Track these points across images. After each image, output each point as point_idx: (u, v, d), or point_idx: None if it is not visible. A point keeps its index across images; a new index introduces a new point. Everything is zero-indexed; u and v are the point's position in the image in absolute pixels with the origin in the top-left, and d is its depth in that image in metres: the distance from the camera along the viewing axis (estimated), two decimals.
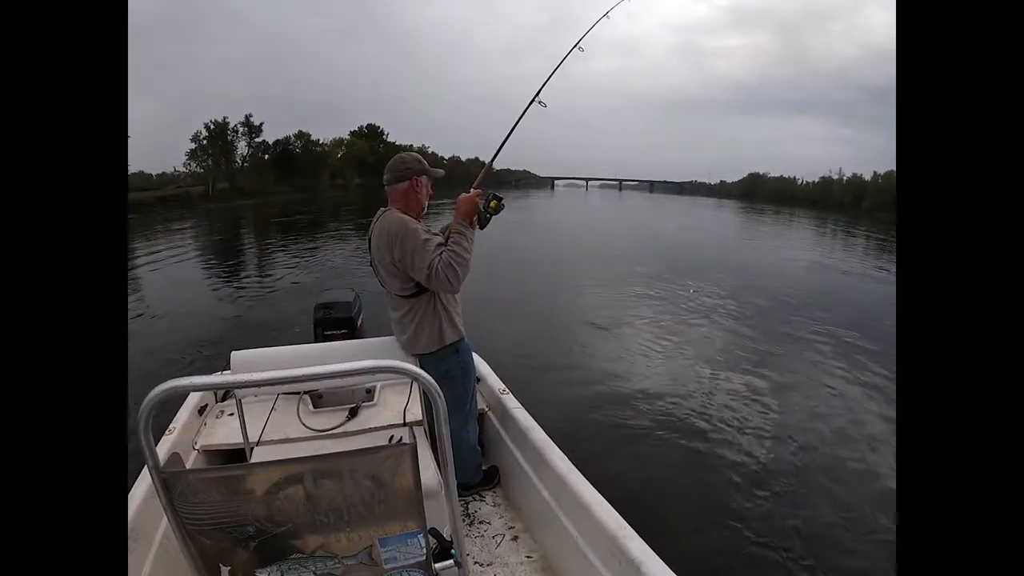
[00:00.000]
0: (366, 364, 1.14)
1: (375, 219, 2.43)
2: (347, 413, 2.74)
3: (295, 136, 59.37)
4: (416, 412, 2.69)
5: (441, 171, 2.59)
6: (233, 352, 2.28)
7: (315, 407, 2.80)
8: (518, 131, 2.72)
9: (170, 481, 1.09)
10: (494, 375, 3.28)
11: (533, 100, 2.83)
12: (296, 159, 56.80)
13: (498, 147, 2.73)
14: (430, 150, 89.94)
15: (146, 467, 1.08)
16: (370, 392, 2.89)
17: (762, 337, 8.33)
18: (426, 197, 2.49)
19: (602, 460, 4.27)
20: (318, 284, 10.94)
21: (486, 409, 3.13)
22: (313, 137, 61.39)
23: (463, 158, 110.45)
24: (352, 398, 2.83)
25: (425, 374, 1.18)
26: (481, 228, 2.45)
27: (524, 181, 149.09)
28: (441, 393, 1.24)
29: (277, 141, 56.79)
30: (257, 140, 53.98)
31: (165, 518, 1.14)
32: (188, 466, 1.78)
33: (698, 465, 4.52)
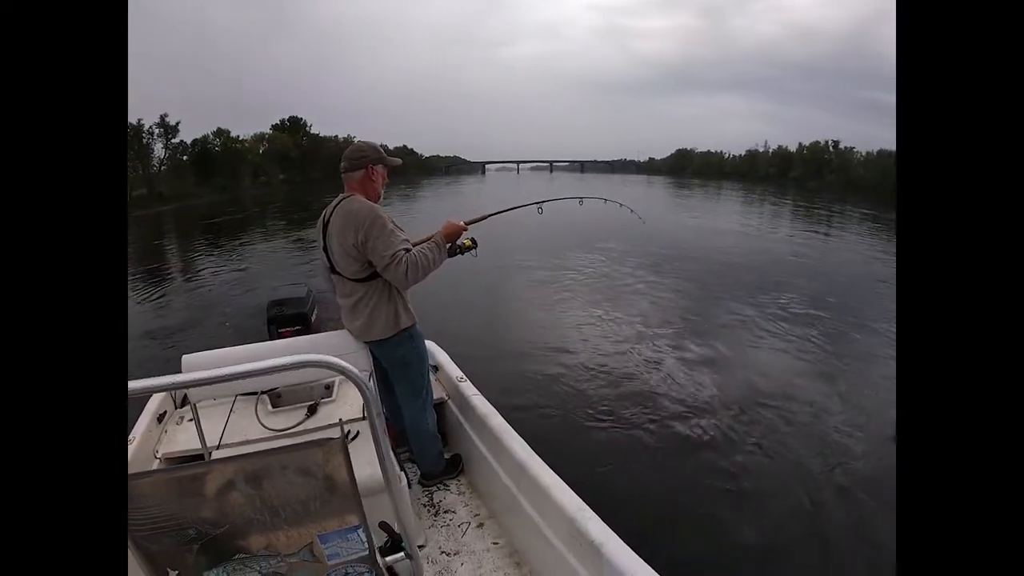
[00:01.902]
0: (289, 359, 1.10)
1: (333, 204, 2.42)
2: (306, 411, 2.71)
3: (214, 134, 56.74)
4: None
5: (398, 160, 2.61)
6: (184, 356, 2.25)
7: (274, 407, 2.77)
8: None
9: None
10: (452, 363, 3.28)
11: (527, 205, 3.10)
12: (216, 158, 54.43)
13: (481, 217, 2.81)
14: (356, 140, 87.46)
15: None
16: (329, 388, 2.85)
17: (700, 306, 8.67)
18: (382, 185, 2.51)
19: (560, 441, 4.36)
20: (252, 283, 10.77)
21: (446, 398, 3.14)
22: (233, 134, 58.89)
23: (391, 146, 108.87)
24: (311, 395, 2.80)
25: (350, 367, 1.15)
26: (450, 255, 2.49)
27: (455, 167, 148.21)
28: (370, 385, 1.22)
29: (195, 141, 54.11)
30: (174, 141, 51.41)
31: None
32: None
33: (652, 442, 4.62)
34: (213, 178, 50.41)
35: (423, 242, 2.44)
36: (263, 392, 2.73)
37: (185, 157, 52.00)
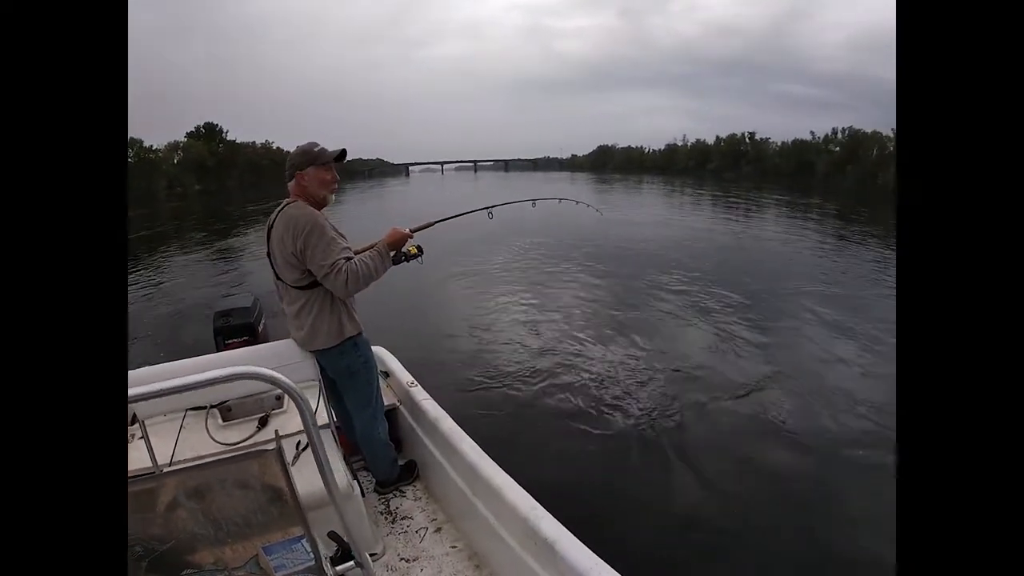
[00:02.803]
0: (220, 373, 1.10)
1: (277, 210, 2.37)
2: (257, 423, 2.64)
3: None
4: (325, 415, 2.61)
5: (334, 151, 2.42)
6: (130, 372, 2.13)
7: (224, 420, 2.69)
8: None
9: None
10: (402, 368, 3.25)
11: (485, 208, 3.14)
12: (128, 170, 51.76)
13: (427, 224, 2.76)
14: (275, 145, 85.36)
15: None
16: (280, 399, 2.79)
17: (641, 298, 8.85)
18: (321, 185, 2.37)
19: (511, 440, 4.36)
20: (173, 297, 10.29)
21: (398, 404, 3.12)
22: (146, 143, 56.28)
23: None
24: (262, 407, 2.72)
25: (283, 378, 1.14)
26: (394, 263, 2.47)
27: (378, 170, 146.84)
28: (302, 396, 1.21)
29: None
30: None
31: None
32: None
33: (601, 435, 4.64)
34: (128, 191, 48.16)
35: (366, 250, 2.41)
36: (213, 406, 2.68)
37: None
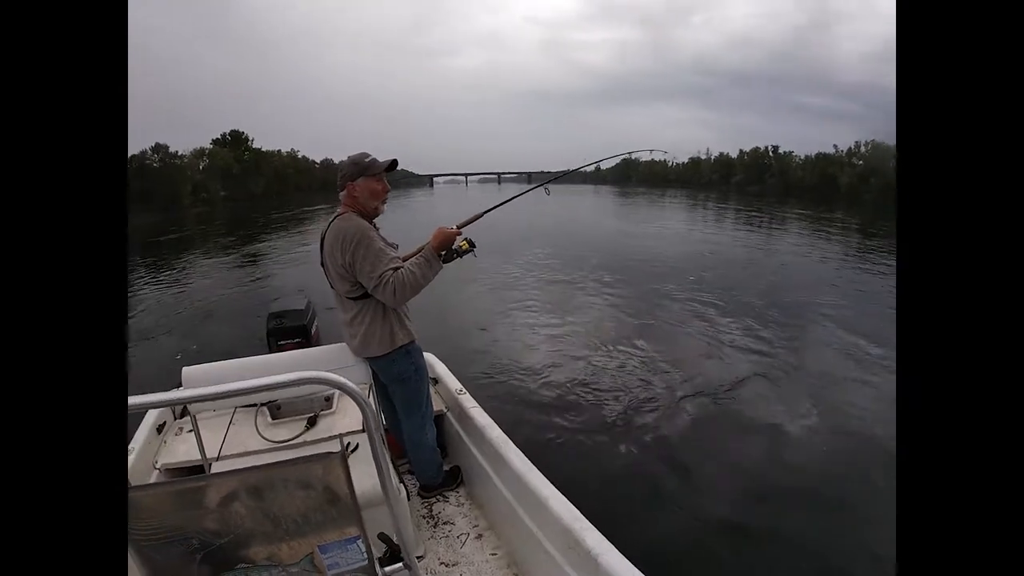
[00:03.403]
0: (289, 377, 1.12)
1: (329, 222, 2.39)
2: (306, 423, 2.68)
3: (152, 149, 54.85)
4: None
5: (384, 162, 2.43)
6: (184, 368, 2.24)
7: (273, 418, 2.75)
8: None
9: None
10: (451, 376, 3.27)
11: (540, 186, 3.12)
12: (155, 175, 52.48)
13: (474, 217, 2.70)
14: (300, 154, 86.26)
15: None
16: (329, 400, 2.83)
17: (669, 312, 8.81)
18: (372, 196, 2.40)
19: (557, 453, 4.36)
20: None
21: (445, 410, 3.14)
22: (171, 149, 57.01)
23: (335, 160, 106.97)
24: (311, 407, 2.78)
25: (348, 383, 1.17)
26: (445, 262, 2.45)
27: (402, 181, 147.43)
28: (368, 401, 1.24)
29: (132, 156, 52.19)
30: None
31: None
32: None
33: (651, 454, 4.60)
34: (151, 196, 48.61)
35: (413, 255, 2.42)
36: (263, 404, 2.73)
37: None
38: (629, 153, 3.83)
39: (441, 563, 2.40)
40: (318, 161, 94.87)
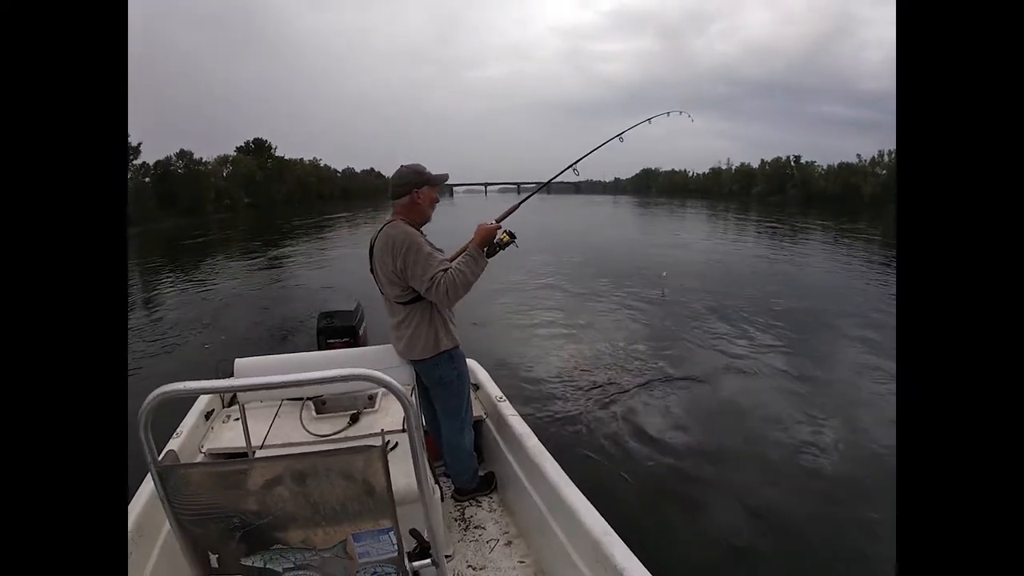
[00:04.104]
0: (338, 372, 1.18)
1: (378, 229, 2.50)
2: (348, 419, 2.79)
3: (176, 156, 55.50)
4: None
5: (445, 175, 2.63)
6: (237, 360, 2.31)
7: (318, 413, 2.85)
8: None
9: (164, 475, 1.19)
10: (492, 383, 3.32)
11: (568, 168, 3.10)
12: (179, 180, 53.17)
13: (511, 209, 2.73)
14: (322, 163, 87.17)
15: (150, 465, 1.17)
16: (372, 399, 2.94)
17: (742, 334, 8.58)
18: (431, 204, 2.54)
19: (592, 466, 4.35)
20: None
21: (484, 416, 3.19)
22: (196, 156, 57.71)
23: (357, 169, 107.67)
24: (354, 404, 2.89)
25: (394, 382, 1.22)
26: (488, 256, 2.48)
27: None
28: (411, 400, 1.30)
29: (158, 162, 52.71)
30: (136, 163, 49.97)
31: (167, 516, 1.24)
32: None
33: (687, 473, 4.56)
34: (176, 201, 49.22)
35: (459, 255, 2.49)
36: (308, 398, 2.86)
37: (147, 179, 50.67)
38: (648, 119, 3.71)
39: (469, 566, 2.42)
40: (339, 170, 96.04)
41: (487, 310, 8.99)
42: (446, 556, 2.26)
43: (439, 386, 2.63)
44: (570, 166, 3.14)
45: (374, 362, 2.42)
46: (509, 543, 2.57)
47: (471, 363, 3.22)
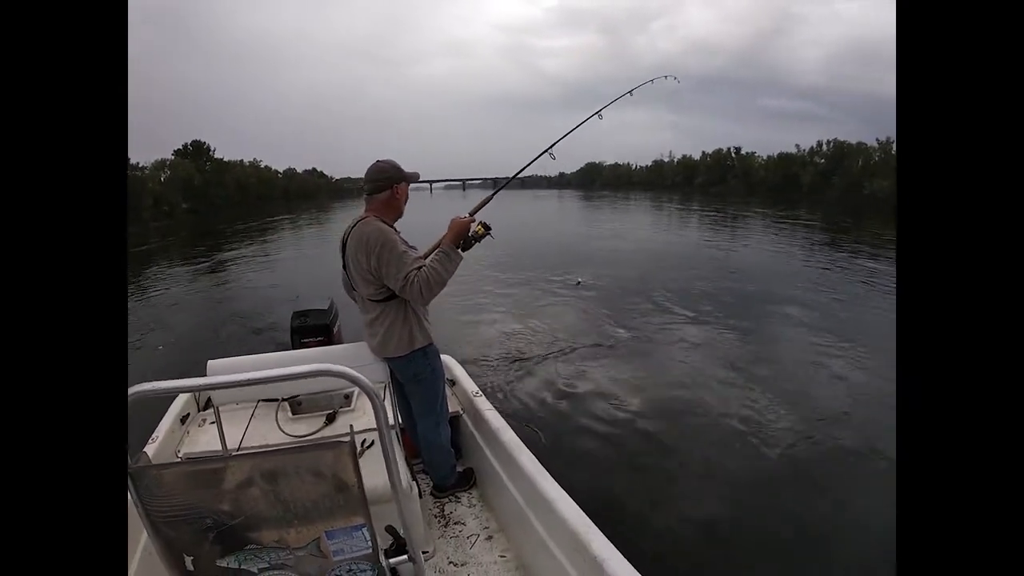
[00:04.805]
0: (305, 368, 1.18)
1: (350, 226, 2.47)
2: (325, 419, 2.78)
3: None
4: (391, 417, 2.67)
5: (417, 173, 2.63)
6: (209, 361, 2.28)
7: (294, 414, 2.83)
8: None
9: (136, 477, 1.18)
10: (468, 378, 3.33)
11: (544, 152, 3.04)
12: None
13: (483, 202, 2.70)
14: (263, 164, 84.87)
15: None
16: (348, 398, 2.94)
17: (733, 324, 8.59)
18: (405, 200, 2.56)
19: (569, 458, 4.36)
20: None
21: (461, 412, 3.19)
22: (132, 161, 55.36)
23: (299, 170, 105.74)
24: (331, 404, 2.88)
25: (362, 378, 1.22)
26: (464, 250, 2.47)
27: (361, 188, 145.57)
28: (378, 395, 1.28)
29: None
30: None
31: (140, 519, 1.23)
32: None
33: (662, 459, 4.59)
34: None
35: (432, 251, 2.46)
36: (284, 399, 2.85)
37: None
38: (630, 91, 3.64)
39: (450, 562, 2.43)
40: (281, 171, 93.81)
41: (459, 305, 9.12)
42: (424, 552, 2.27)
43: (414, 382, 2.64)
44: (546, 150, 3.10)
45: (347, 360, 2.40)
46: (490, 538, 2.58)
47: (446, 359, 3.23)
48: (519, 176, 3.07)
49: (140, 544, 2.05)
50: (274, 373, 1.17)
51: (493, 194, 2.78)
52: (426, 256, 2.43)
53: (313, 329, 3.57)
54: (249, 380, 1.17)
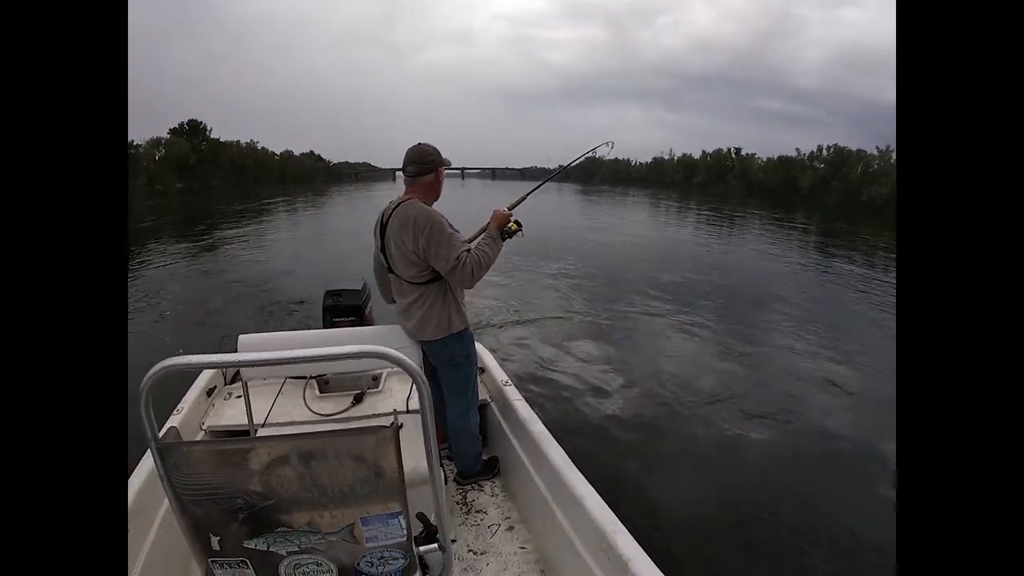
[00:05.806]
0: (352, 349, 1.14)
1: (391, 208, 2.45)
2: (352, 399, 2.80)
3: None
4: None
5: (450, 160, 2.62)
6: (240, 336, 2.26)
7: (321, 392, 2.86)
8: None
9: (165, 452, 1.15)
10: (498, 367, 3.32)
11: (559, 172, 3.28)
12: None
13: (521, 198, 2.75)
14: (260, 145, 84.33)
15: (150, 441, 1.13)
16: (376, 379, 2.95)
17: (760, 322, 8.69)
18: (443, 184, 2.58)
19: (598, 454, 4.29)
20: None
21: (489, 400, 3.16)
22: (128, 139, 54.70)
23: (296, 152, 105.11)
24: (358, 384, 2.89)
25: (409, 361, 1.19)
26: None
27: (365, 174, 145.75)
28: (425, 380, 1.26)
29: None
30: None
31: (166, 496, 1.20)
32: None
33: (693, 463, 4.52)
34: None
35: (476, 237, 2.51)
36: (312, 377, 2.84)
37: None
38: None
39: (470, 550, 2.41)
40: (278, 152, 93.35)
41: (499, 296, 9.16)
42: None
43: (448, 366, 2.62)
44: (563, 168, 3.48)
45: (380, 341, 2.38)
46: (511, 528, 2.56)
47: (477, 347, 3.19)
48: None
49: (158, 519, 2.02)
50: (319, 352, 1.13)
51: (529, 194, 2.81)
52: (470, 241, 2.45)
53: (346, 309, 3.58)
54: (292, 359, 1.14)
